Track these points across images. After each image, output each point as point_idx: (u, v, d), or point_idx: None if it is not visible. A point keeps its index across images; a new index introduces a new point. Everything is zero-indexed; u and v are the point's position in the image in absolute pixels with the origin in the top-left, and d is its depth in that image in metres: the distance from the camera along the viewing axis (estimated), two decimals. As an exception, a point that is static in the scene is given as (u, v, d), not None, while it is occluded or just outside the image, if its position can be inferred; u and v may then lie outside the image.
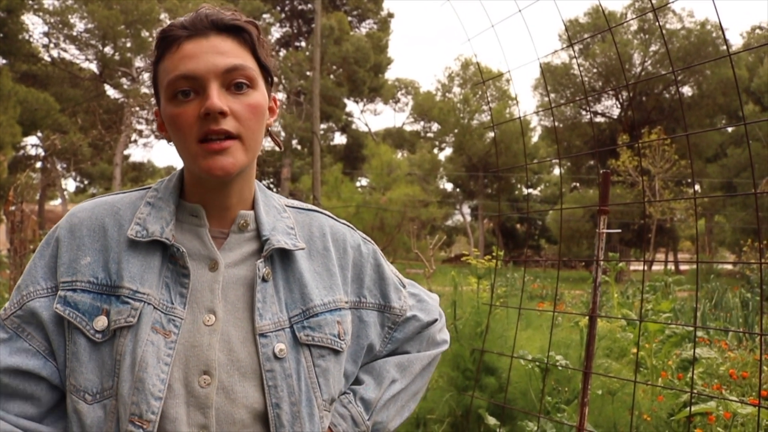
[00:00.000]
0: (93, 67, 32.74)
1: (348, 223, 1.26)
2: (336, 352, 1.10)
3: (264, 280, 1.06)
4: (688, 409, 3.34)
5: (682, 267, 33.76)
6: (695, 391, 3.62)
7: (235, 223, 1.09)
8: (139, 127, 33.92)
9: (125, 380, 0.96)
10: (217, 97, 0.98)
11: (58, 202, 38.69)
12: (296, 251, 1.11)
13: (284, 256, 1.11)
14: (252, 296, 1.05)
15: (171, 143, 1.07)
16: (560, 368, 3.54)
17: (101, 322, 0.99)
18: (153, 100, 1.13)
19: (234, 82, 1.01)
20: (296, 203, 1.22)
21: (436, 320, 1.32)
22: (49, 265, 1.04)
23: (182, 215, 1.08)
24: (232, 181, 1.07)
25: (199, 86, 0.99)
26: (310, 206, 1.24)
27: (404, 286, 1.28)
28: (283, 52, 35.44)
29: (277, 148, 1.27)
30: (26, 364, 1.00)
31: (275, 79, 1.14)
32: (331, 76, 34.93)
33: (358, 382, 1.21)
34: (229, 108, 0.99)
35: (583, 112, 32.95)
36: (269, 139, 1.21)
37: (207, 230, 1.07)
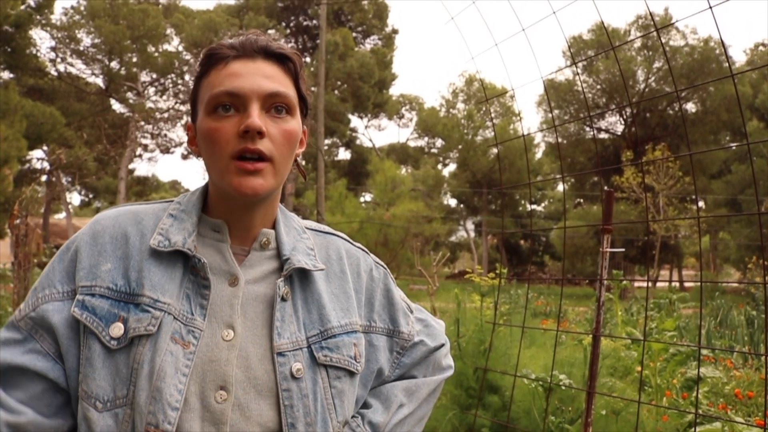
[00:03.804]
0: (99, 81, 33.00)
1: (362, 247, 1.27)
2: (351, 374, 1.11)
3: (283, 299, 1.07)
4: (693, 429, 3.31)
5: (687, 284, 33.66)
6: (700, 411, 3.59)
7: (257, 241, 1.10)
8: (144, 141, 34.10)
9: (142, 389, 0.96)
10: (258, 117, 1.00)
11: (62, 215, 38.83)
12: (315, 272, 1.13)
13: (303, 277, 1.12)
14: (271, 314, 1.06)
15: (200, 158, 1.08)
16: (564, 388, 3.52)
17: (117, 329, 0.99)
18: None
19: (274, 105, 1.04)
20: (314, 225, 1.24)
21: (442, 345, 1.33)
22: (68, 270, 1.05)
23: (204, 230, 1.09)
24: (258, 203, 1.08)
25: (241, 104, 1.02)
26: (327, 229, 1.25)
27: (412, 312, 1.30)
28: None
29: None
30: (34, 365, 1.00)
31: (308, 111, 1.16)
32: (336, 92, 35.07)
33: (366, 405, 1.21)
34: (266, 130, 1.01)
35: (587, 129, 33.00)
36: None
37: (229, 246, 1.08)
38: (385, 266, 1.29)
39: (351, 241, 1.26)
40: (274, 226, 1.14)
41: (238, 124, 1.01)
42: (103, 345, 0.99)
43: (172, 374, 0.96)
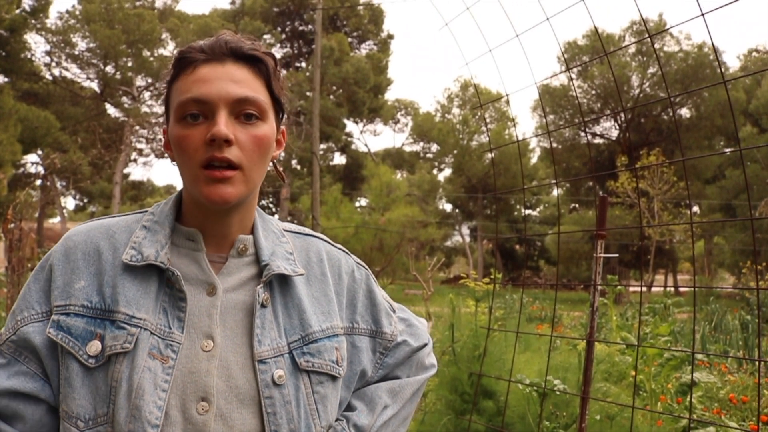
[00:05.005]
0: (94, 85, 32.98)
1: (343, 248, 1.26)
2: (334, 378, 1.10)
3: (263, 305, 1.05)
4: (687, 434, 3.31)
5: (682, 288, 33.71)
6: (694, 416, 3.59)
7: (234, 248, 1.08)
8: (139, 146, 34.08)
9: (122, 407, 0.95)
10: (225, 125, 0.98)
11: (57, 220, 38.74)
12: (295, 277, 1.11)
13: (283, 282, 1.10)
14: (251, 322, 1.04)
15: (174, 163, 1.06)
16: (558, 393, 3.52)
17: (94, 347, 0.98)
18: (162, 120, 1.13)
19: (243, 111, 1.01)
20: (294, 227, 1.22)
21: (425, 345, 1.31)
22: (44, 289, 1.04)
23: (178, 239, 1.07)
24: (233, 209, 1.06)
25: (209, 111, 0.99)
26: (307, 230, 1.23)
27: (394, 311, 1.28)
28: (283, 73, 35.62)
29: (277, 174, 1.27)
30: (24, 387, 0.99)
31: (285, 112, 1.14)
32: (331, 97, 35.10)
33: (350, 408, 1.19)
34: (235, 137, 0.99)
35: (582, 134, 33.08)
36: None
37: (204, 255, 1.06)
38: (367, 267, 1.28)
39: (331, 242, 1.25)
40: (252, 231, 1.12)
41: (205, 131, 0.99)
42: (81, 364, 0.98)
43: (151, 391, 0.95)
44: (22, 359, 1.01)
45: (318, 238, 1.23)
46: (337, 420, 1.16)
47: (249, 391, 1.01)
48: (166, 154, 1.11)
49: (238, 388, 1.00)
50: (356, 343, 1.18)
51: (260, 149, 1.03)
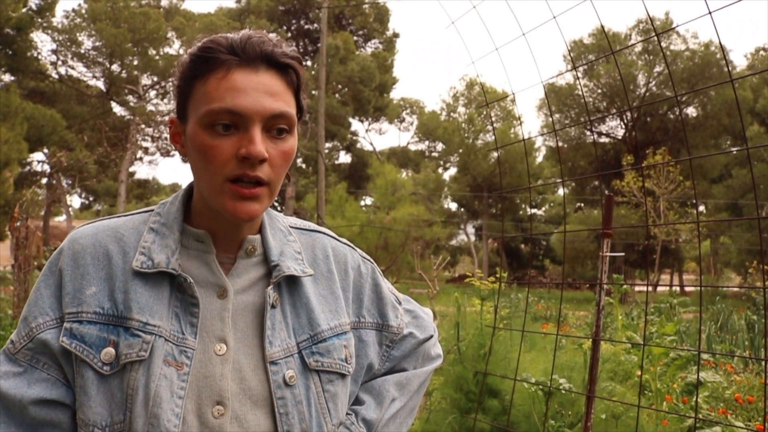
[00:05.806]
0: (100, 84, 33.09)
1: (349, 243, 1.25)
2: (343, 376, 1.10)
3: (273, 306, 1.05)
4: (693, 434, 3.30)
5: (688, 288, 33.60)
6: (700, 416, 3.58)
7: (243, 249, 1.07)
8: (144, 144, 34.18)
9: (139, 416, 0.94)
10: (261, 143, 0.95)
11: (62, 218, 38.87)
12: (303, 277, 1.10)
13: (291, 282, 1.09)
14: (261, 323, 1.04)
15: (185, 160, 1.04)
16: (563, 392, 3.52)
17: (108, 354, 0.97)
18: (170, 116, 1.11)
19: (276, 126, 0.98)
20: (299, 223, 1.21)
21: (431, 336, 1.31)
22: (56, 295, 1.02)
23: (187, 241, 1.05)
24: None
25: (242, 123, 0.95)
26: (312, 226, 1.22)
27: (400, 303, 1.28)
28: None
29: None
30: (49, 394, 0.99)
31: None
32: (337, 96, 35.13)
33: (358, 401, 1.20)
34: (267, 153, 0.97)
35: (588, 133, 33.01)
36: None
37: (214, 257, 1.05)
38: (372, 260, 1.27)
39: (336, 237, 1.24)
40: (260, 230, 1.11)
41: (237, 145, 0.95)
42: (95, 371, 0.97)
43: (168, 399, 0.95)
44: (41, 366, 1.00)
45: (323, 233, 1.22)
46: (345, 414, 1.15)
47: (262, 392, 1.01)
48: (173, 147, 1.09)
49: (251, 390, 1.01)
50: (363, 337, 1.18)
51: (287, 163, 1.02)
